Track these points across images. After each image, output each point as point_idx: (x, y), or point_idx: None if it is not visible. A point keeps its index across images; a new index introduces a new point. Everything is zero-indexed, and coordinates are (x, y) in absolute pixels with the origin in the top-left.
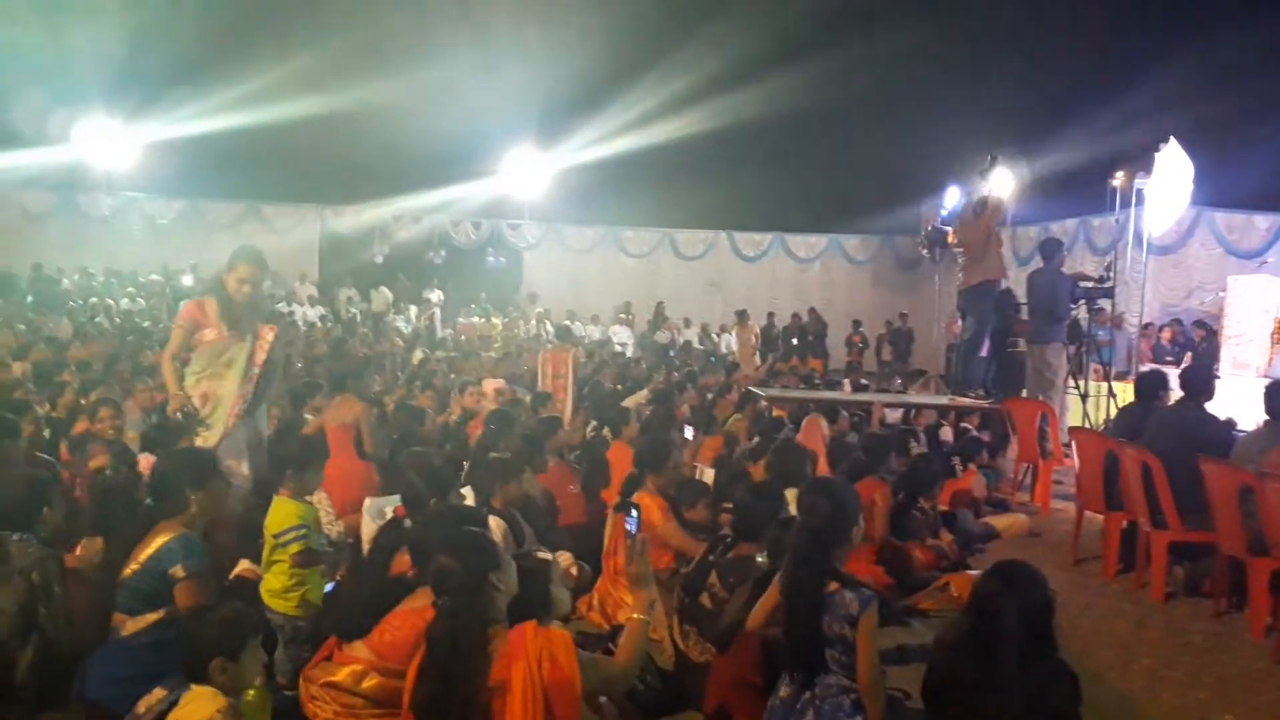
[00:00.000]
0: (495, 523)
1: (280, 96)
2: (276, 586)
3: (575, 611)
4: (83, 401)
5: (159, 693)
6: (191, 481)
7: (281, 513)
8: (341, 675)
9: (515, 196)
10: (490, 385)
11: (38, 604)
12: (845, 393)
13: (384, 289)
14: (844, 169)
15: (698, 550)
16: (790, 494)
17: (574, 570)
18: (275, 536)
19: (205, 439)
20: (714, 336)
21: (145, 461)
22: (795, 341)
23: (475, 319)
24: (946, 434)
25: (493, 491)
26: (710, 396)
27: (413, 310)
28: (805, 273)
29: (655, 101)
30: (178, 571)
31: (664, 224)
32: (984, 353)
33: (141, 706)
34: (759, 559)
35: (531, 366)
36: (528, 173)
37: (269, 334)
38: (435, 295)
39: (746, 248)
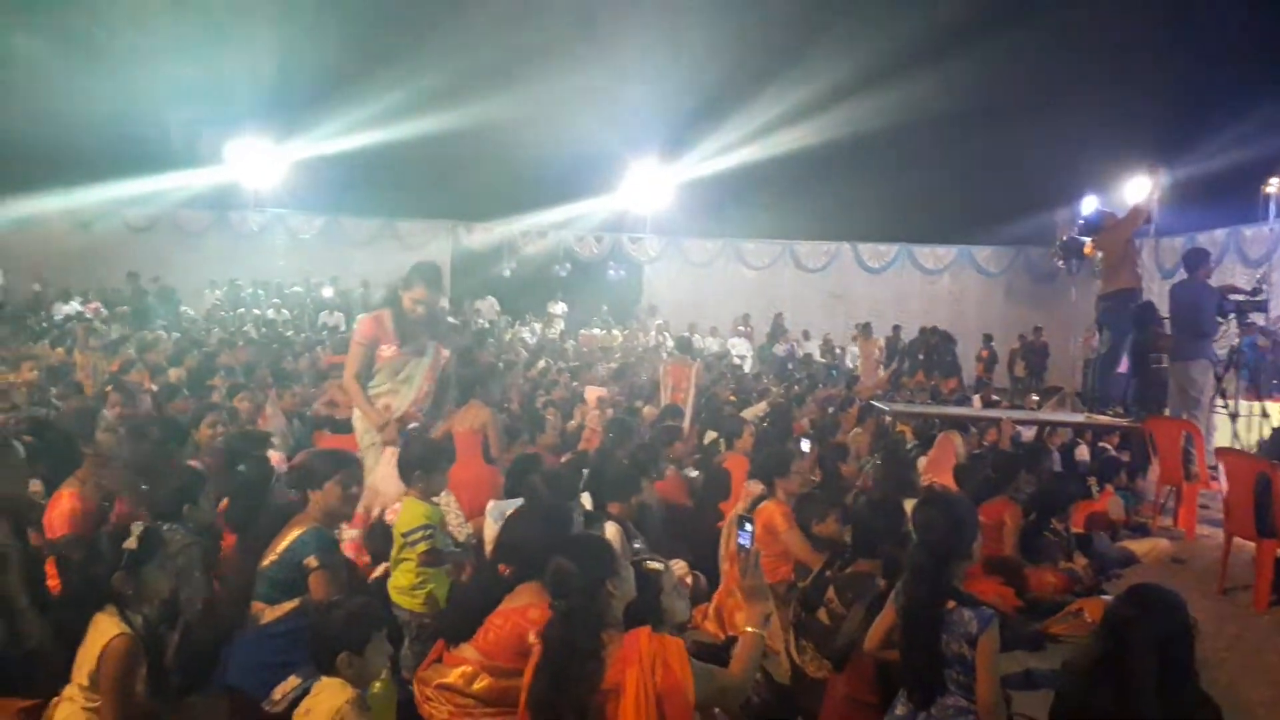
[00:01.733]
0: (612, 530)
1: (413, 115)
2: (403, 584)
3: (691, 620)
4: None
5: (294, 680)
6: (329, 477)
7: (410, 513)
8: (453, 677)
9: (636, 210)
10: (593, 393)
11: (183, 589)
12: (975, 409)
13: (491, 299)
14: (975, 176)
15: (818, 563)
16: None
17: (688, 580)
18: (404, 536)
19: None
20: (836, 350)
21: (275, 458)
22: (922, 357)
23: (596, 330)
24: (1083, 453)
25: (610, 499)
26: (830, 410)
27: (538, 324)
28: (933, 285)
29: (777, 111)
30: (311, 562)
31: (785, 235)
32: (1123, 368)
33: (278, 693)
34: (878, 577)
35: (651, 377)
36: (649, 186)
37: (444, 352)
38: (559, 307)
39: (871, 259)
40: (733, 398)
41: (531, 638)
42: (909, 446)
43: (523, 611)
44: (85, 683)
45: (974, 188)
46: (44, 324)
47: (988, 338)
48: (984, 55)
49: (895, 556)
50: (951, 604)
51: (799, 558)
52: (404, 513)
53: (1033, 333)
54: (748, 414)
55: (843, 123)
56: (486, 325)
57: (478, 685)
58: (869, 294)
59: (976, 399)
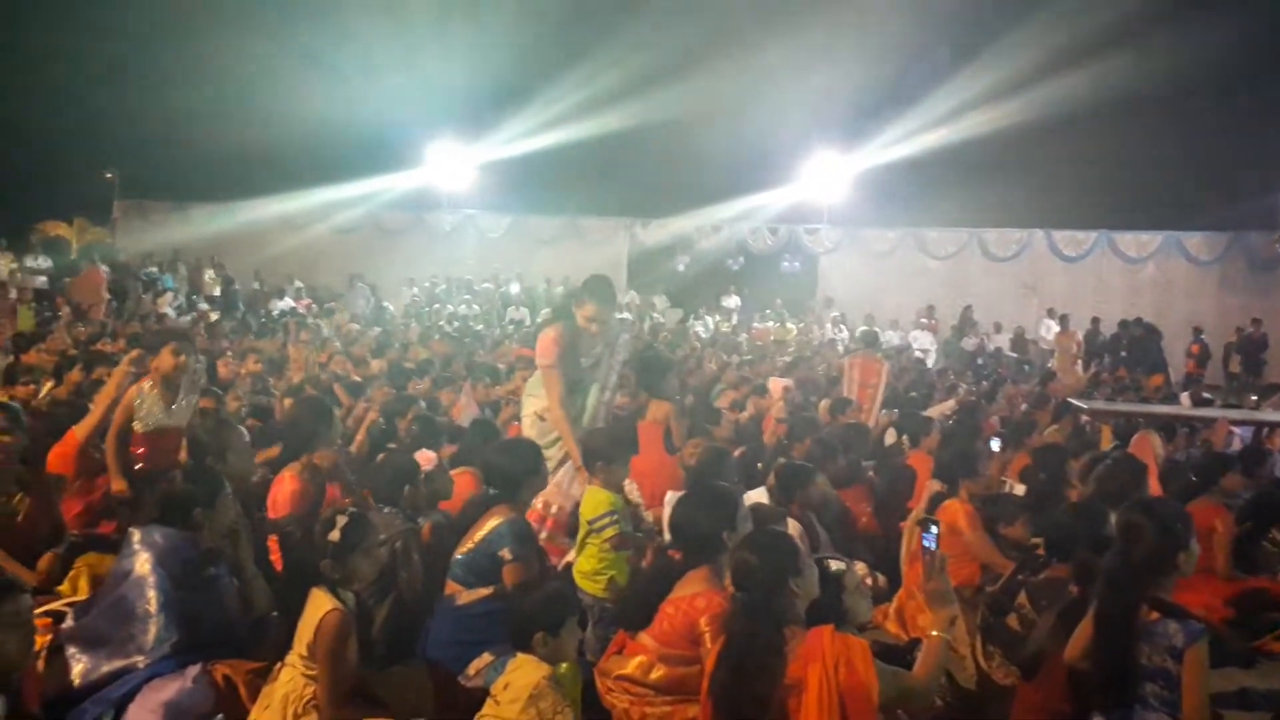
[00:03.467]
0: (793, 527)
1: (594, 114)
2: (587, 569)
3: (872, 620)
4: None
5: (487, 657)
6: (524, 471)
7: (594, 501)
8: (631, 668)
9: (813, 201)
10: (777, 384)
11: (398, 569)
12: (1184, 408)
13: (632, 292)
14: (1183, 157)
15: (1005, 567)
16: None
17: (869, 580)
18: (590, 522)
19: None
20: (1029, 344)
21: (424, 457)
22: (1124, 351)
23: (770, 324)
24: None
25: (791, 495)
26: (1023, 408)
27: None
28: (1137, 274)
29: (965, 94)
30: (506, 554)
31: (972, 223)
32: None
33: (473, 669)
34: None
35: (827, 372)
36: (827, 176)
37: (619, 357)
38: (732, 301)
39: (1067, 247)
40: (913, 394)
41: (702, 625)
42: (1109, 447)
43: (691, 600)
44: (304, 652)
45: (1181, 169)
46: (262, 319)
47: (1198, 331)
48: (1194, 26)
49: (1092, 563)
50: (1155, 615)
51: (984, 560)
52: (588, 500)
53: (1251, 325)
54: (933, 411)
55: (1036, 103)
56: (660, 320)
57: (654, 675)
58: (1065, 284)
59: (1185, 397)
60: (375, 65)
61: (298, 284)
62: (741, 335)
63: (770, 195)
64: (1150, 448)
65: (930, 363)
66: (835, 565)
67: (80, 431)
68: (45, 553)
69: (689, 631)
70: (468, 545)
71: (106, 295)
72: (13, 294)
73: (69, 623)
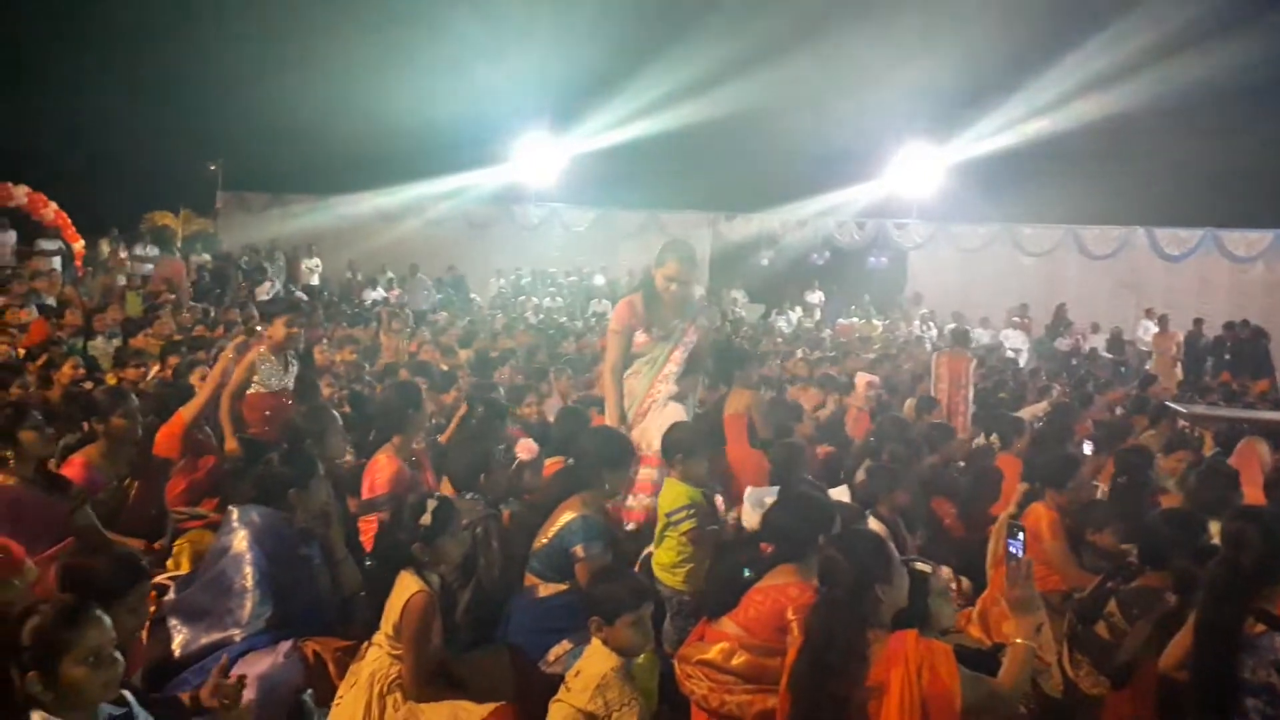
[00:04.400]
0: (877, 527)
1: (678, 107)
2: (666, 561)
3: (955, 624)
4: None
5: (566, 645)
6: (607, 461)
7: (672, 494)
8: (712, 653)
9: (902, 195)
10: (862, 379)
11: (479, 555)
12: None
13: (740, 292)
14: None
15: (1080, 579)
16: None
17: (953, 585)
18: (667, 515)
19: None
20: (1125, 345)
21: (524, 448)
22: (1228, 355)
23: (855, 320)
24: None
25: (877, 496)
26: (1119, 411)
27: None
28: (1244, 274)
29: (1064, 85)
30: (579, 551)
31: (1069, 219)
32: None
33: (552, 655)
34: (1167, 592)
35: (912, 369)
36: (918, 170)
37: (691, 335)
38: (815, 296)
39: (1169, 245)
40: (1003, 395)
41: (790, 614)
42: (1211, 454)
43: (782, 589)
44: (390, 632)
45: None
46: (355, 309)
47: None
48: None
49: (1191, 572)
50: (1260, 628)
51: (1059, 570)
52: (666, 493)
53: None
54: (1024, 413)
55: (1140, 93)
56: (741, 315)
57: (735, 661)
58: (1166, 284)
59: None
60: (466, 61)
61: (389, 274)
62: (825, 331)
63: (859, 189)
64: (1256, 455)
65: (1022, 363)
66: (922, 568)
67: (186, 414)
68: (150, 533)
69: (776, 619)
70: (543, 539)
71: (188, 284)
72: (122, 280)
73: (171, 596)
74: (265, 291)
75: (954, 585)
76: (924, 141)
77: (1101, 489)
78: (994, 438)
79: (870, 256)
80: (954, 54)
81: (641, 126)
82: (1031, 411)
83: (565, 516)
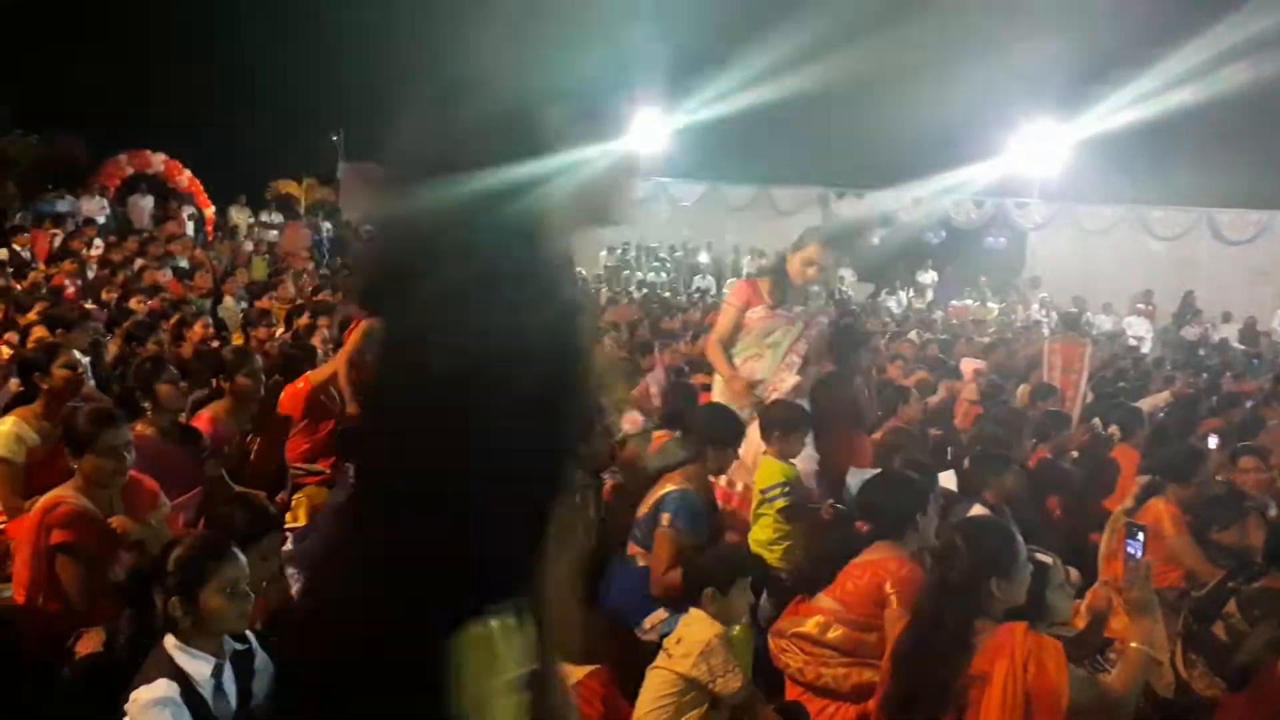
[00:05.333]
0: (980, 514)
1: (790, 77)
2: (762, 538)
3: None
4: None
5: (662, 613)
6: (714, 439)
7: (768, 471)
8: (808, 626)
9: (1024, 173)
10: (969, 365)
11: (577, 522)
12: None
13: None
14: None
15: (1210, 574)
16: None
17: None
18: (763, 492)
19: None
20: (1259, 335)
21: (631, 420)
22: None
23: (969, 302)
24: None
25: (984, 483)
26: (1249, 405)
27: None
28: None
29: (1205, 53)
30: (663, 520)
31: (1203, 202)
32: None
33: (648, 623)
34: None
35: (1027, 355)
36: (1041, 148)
37: (820, 321)
38: (928, 277)
39: None
40: (1122, 384)
41: (888, 588)
42: None
43: (881, 563)
44: None
45: None
46: None
47: None
48: None
49: None
50: None
51: (1189, 567)
52: (762, 471)
53: None
54: (1145, 404)
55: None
56: (849, 294)
57: (832, 634)
58: None
59: None
60: (572, 34)
61: None
62: (937, 313)
63: (977, 169)
64: None
65: (1145, 350)
66: (1043, 558)
67: (315, 377)
68: (271, 487)
69: (874, 593)
70: (644, 509)
71: (306, 249)
72: (248, 246)
73: (289, 547)
74: None
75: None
76: (1049, 116)
77: (1226, 486)
78: (1113, 429)
79: (988, 236)
80: (1085, 21)
81: (750, 98)
82: (1152, 402)
83: (665, 489)
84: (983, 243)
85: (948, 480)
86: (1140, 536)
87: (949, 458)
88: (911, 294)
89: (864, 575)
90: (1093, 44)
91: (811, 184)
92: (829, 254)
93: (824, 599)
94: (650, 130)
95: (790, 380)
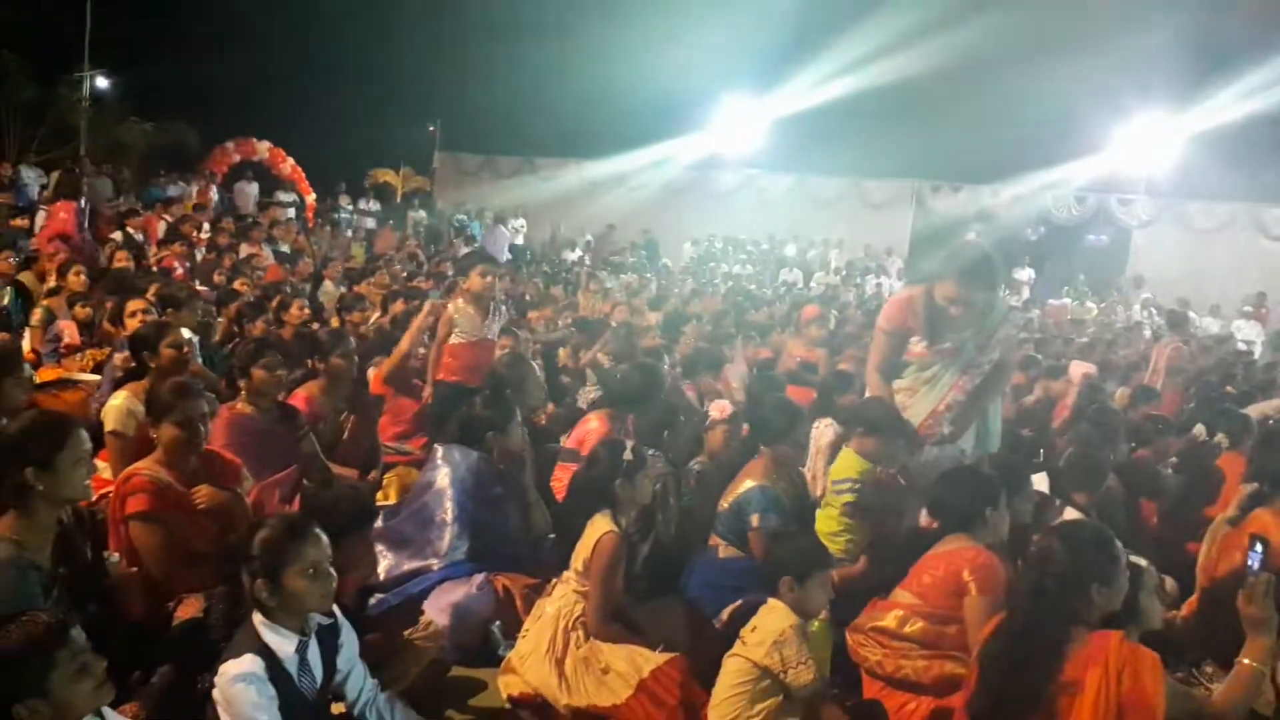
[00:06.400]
0: (1073, 518)
1: (884, 67)
2: (826, 529)
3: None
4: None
5: (741, 604)
6: (777, 432)
7: (844, 463)
8: (887, 620)
9: (1129, 169)
10: (1078, 369)
11: (657, 511)
12: None
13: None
14: None
15: None
16: None
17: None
18: (835, 483)
19: None
20: None
21: (719, 407)
22: None
23: (1067, 301)
24: None
25: (1077, 486)
26: None
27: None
28: None
29: None
30: (753, 521)
31: None
32: None
33: (726, 613)
34: None
35: (1128, 357)
36: (1149, 139)
37: (988, 357)
38: (1025, 274)
39: None
40: (1229, 389)
41: (966, 575)
42: None
43: (957, 553)
44: (580, 568)
45: None
46: (551, 268)
47: None
48: None
49: None
50: None
51: None
52: (839, 461)
53: None
54: (1254, 411)
55: None
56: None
57: (910, 628)
58: None
59: None
60: (669, 28)
61: (588, 237)
62: (1033, 312)
63: (1081, 162)
64: None
65: (1256, 355)
66: (1136, 561)
67: (386, 364)
68: (363, 465)
69: (952, 583)
70: (725, 503)
71: (395, 250)
72: (348, 233)
73: (378, 524)
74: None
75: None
76: (1160, 109)
77: None
78: (1220, 436)
79: (1089, 234)
80: (1201, 6)
81: (844, 86)
82: (1260, 409)
83: (745, 485)
84: (1083, 240)
85: (1039, 482)
86: (1260, 548)
87: (1041, 458)
88: (1006, 291)
89: (940, 566)
90: (1209, 32)
91: (905, 177)
92: (972, 291)
93: (901, 593)
94: (742, 121)
95: (942, 426)
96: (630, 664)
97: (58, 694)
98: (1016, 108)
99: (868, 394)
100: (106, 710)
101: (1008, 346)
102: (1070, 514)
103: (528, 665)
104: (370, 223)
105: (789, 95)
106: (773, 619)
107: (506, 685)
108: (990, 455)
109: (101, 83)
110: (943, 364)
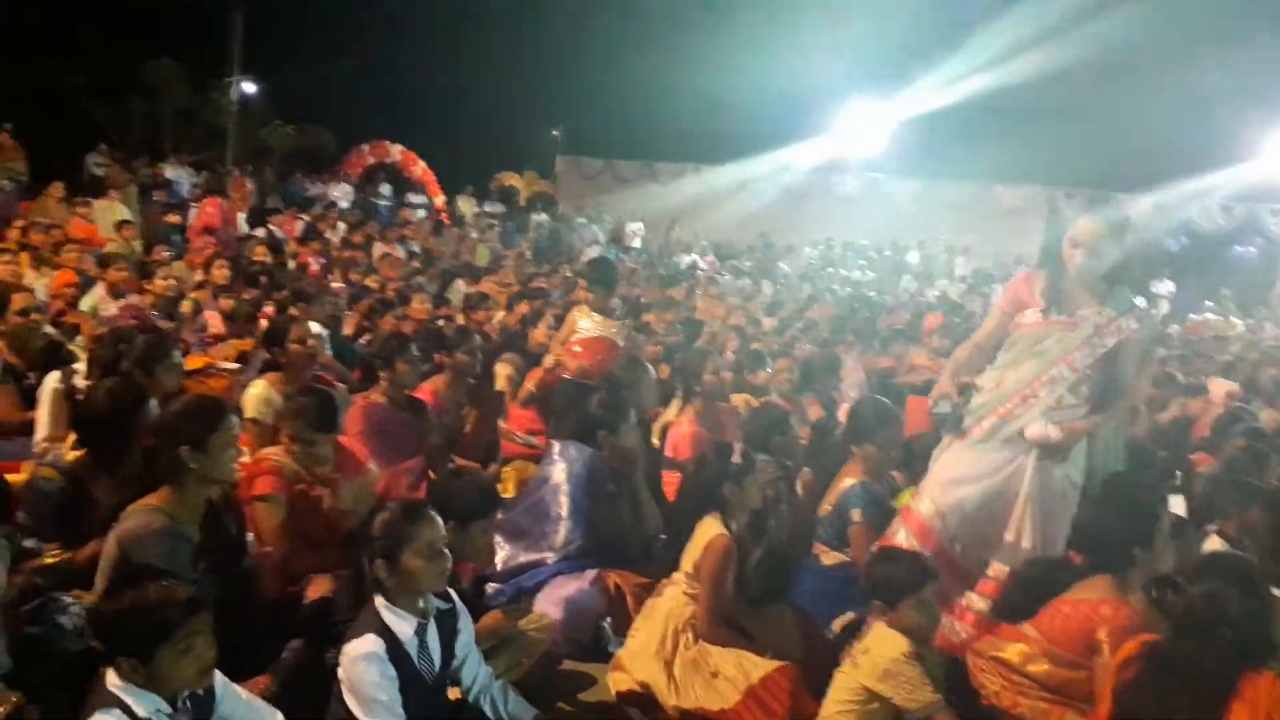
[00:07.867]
0: (1217, 547)
1: (1017, 66)
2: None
3: None
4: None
5: (851, 616)
6: (868, 431)
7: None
8: (1010, 653)
9: None
10: (1220, 387)
11: (769, 515)
12: None
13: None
14: None
15: None
16: None
17: None
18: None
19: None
20: None
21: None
22: None
23: (1209, 316)
24: None
25: (1219, 513)
26: None
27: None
28: None
29: None
30: (855, 515)
31: None
32: None
33: (837, 625)
34: None
35: (1277, 377)
36: None
37: (1111, 332)
38: (1164, 287)
39: None
40: None
41: (1101, 635)
42: None
43: (1095, 606)
44: (690, 570)
45: None
46: (667, 271)
47: None
48: None
49: None
50: None
51: None
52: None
53: None
54: None
55: None
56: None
57: (1033, 667)
58: None
59: None
60: (792, 30)
61: (704, 242)
62: (1172, 326)
63: (1230, 171)
64: None
65: None
66: (1278, 593)
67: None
68: (483, 458)
69: (1084, 638)
70: (826, 506)
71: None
72: (474, 233)
73: (497, 516)
74: (594, 251)
75: None
76: None
77: None
78: None
79: (1236, 245)
80: None
81: (975, 86)
82: None
83: (844, 483)
84: (1230, 252)
85: (1175, 505)
86: None
87: (1176, 481)
88: (1144, 304)
89: (1075, 615)
90: None
91: (1038, 183)
92: (1101, 237)
93: (1027, 627)
94: (867, 124)
95: (1045, 397)
96: (739, 669)
97: (158, 664)
98: (1159, 113)
99: (933, 394)
100: (235, 685)
101: (1130, 345)
102: (1214, 543)
103: (637, 663)
104: (496, 225)
105: (915, 96)
106: (885, 645)
107: (615, 682)
108: (1114, 476)
109: (248, 88)
110: (1058, 334)
